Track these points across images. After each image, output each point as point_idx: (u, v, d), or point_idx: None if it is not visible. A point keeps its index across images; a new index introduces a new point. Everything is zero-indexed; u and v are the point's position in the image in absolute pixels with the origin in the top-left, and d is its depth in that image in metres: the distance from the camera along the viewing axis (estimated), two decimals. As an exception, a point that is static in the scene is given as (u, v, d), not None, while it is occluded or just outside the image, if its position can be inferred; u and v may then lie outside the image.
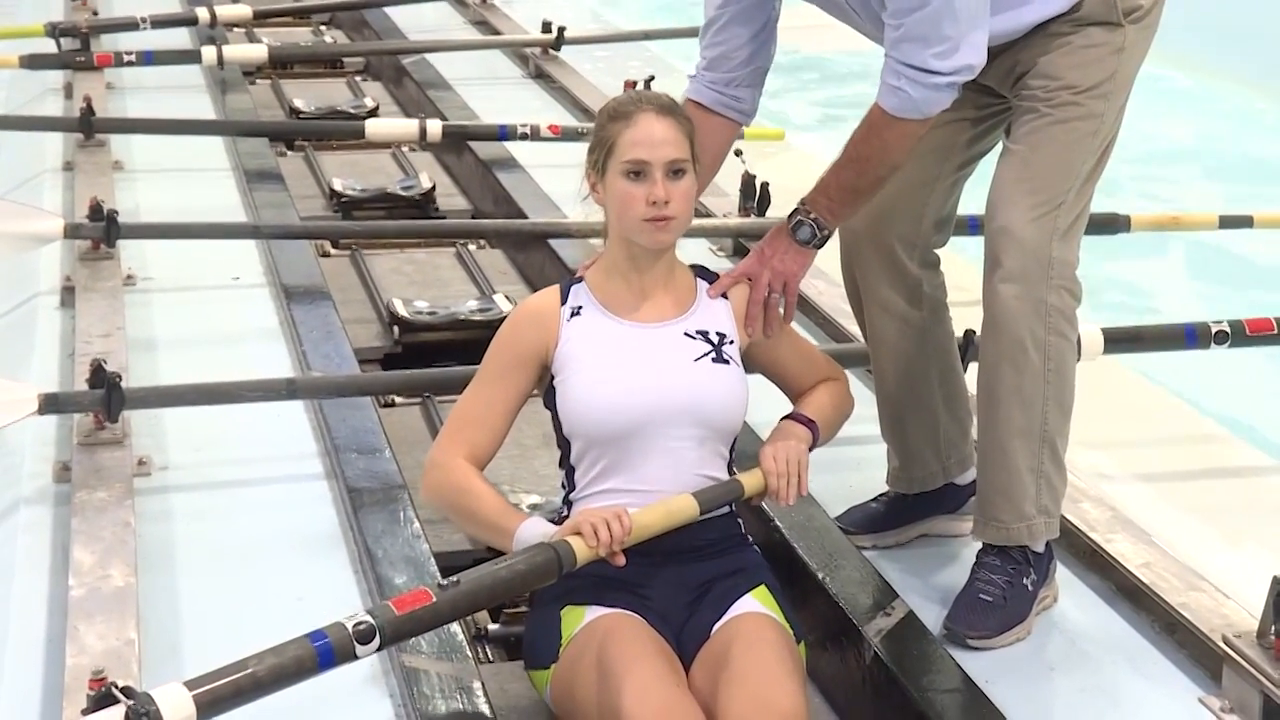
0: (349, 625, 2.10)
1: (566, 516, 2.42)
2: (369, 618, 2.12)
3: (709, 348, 2.42)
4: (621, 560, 2.25)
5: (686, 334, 2.43)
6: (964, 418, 2.88)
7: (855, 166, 2.54)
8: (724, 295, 2.51)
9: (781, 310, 2.55)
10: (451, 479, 2.39)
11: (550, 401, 2.44)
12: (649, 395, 2.36)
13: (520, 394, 2.44)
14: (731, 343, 2.46)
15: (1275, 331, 3.46)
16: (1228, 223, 4.53)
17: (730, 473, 2.46)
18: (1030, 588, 2.60)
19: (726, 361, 2.42)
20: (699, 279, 2.52)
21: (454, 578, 2.22)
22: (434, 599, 2.17)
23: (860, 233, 2.77)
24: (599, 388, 2.36)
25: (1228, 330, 3.40)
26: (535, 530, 2.30)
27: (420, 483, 2.48)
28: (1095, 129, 2.57)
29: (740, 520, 2.49)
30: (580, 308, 2.43)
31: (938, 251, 2.85)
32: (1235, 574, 2.73)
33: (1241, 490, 3.31)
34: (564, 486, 2.47)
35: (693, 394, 2.37)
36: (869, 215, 2.70)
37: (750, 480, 2.40)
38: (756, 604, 2.34)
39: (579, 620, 2.31)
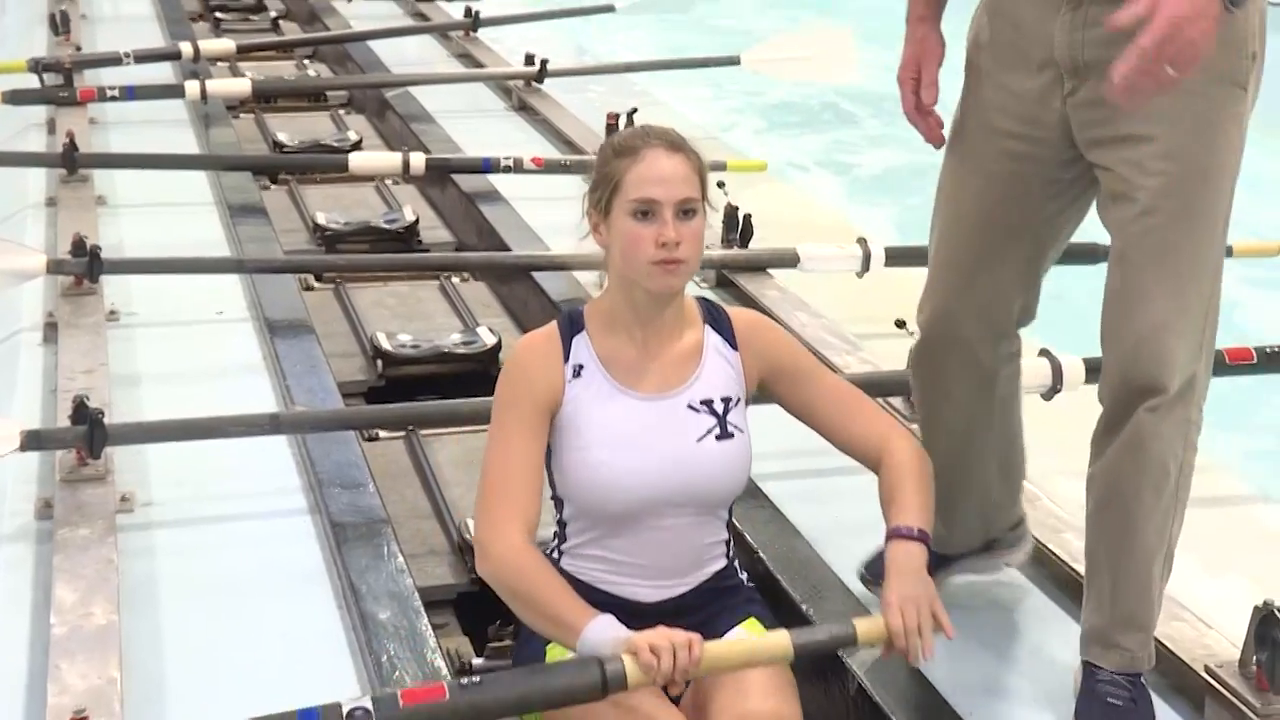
0: (345, 709, 1.97)
1: (557, 559, 2.34)
2: (368, 705, 1.97)
3: (713, 421, 2.27)
4: (679, 690, 2.12)
5: (690, 407, 2.27)
6: (1016, 480, 2.75)
7: None
8: (729, 337, 2.34)
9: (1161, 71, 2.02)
10: (513, 562, 2.15)
11: (545, 457, 2.31)
12: (648, 479, 2.23)
13: (545, 443, 2.27)
14: (738, 403, 2.31)
15: (1254, 361, 3.48)
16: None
17: (729, 526, 2.36)
18: (1144, 682, 2.46)
19: (731, 435, 2.28)
20: (707, 325, 2.35)
21: (476, 677, 2.05)
22: (447, 697, 1.98)
23: (939, 327, 2.56)
24: (599, 470, 2.23)
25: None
26: (604, 635, 2.07)
27: (481, 557, 2.23)
28: (1225, 214, 2.33)
29: (737, 564, 2.40)
30: (582, 367, 2.27)
31: (1021, 334, 2.63)
32: (1217, 604, 2.73)
33: (1223, 520, 3.32)
34: (555, 536, 2.37)
35: (694, 478, 2.25)
36: (947, 309, 2.53)
37: (868, 629, 2.15)
38: (747, 636, 2.30)
39: (565, 655, 2.24)
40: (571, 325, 2.32)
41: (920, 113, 2.49)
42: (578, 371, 2.27)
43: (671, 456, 2.25)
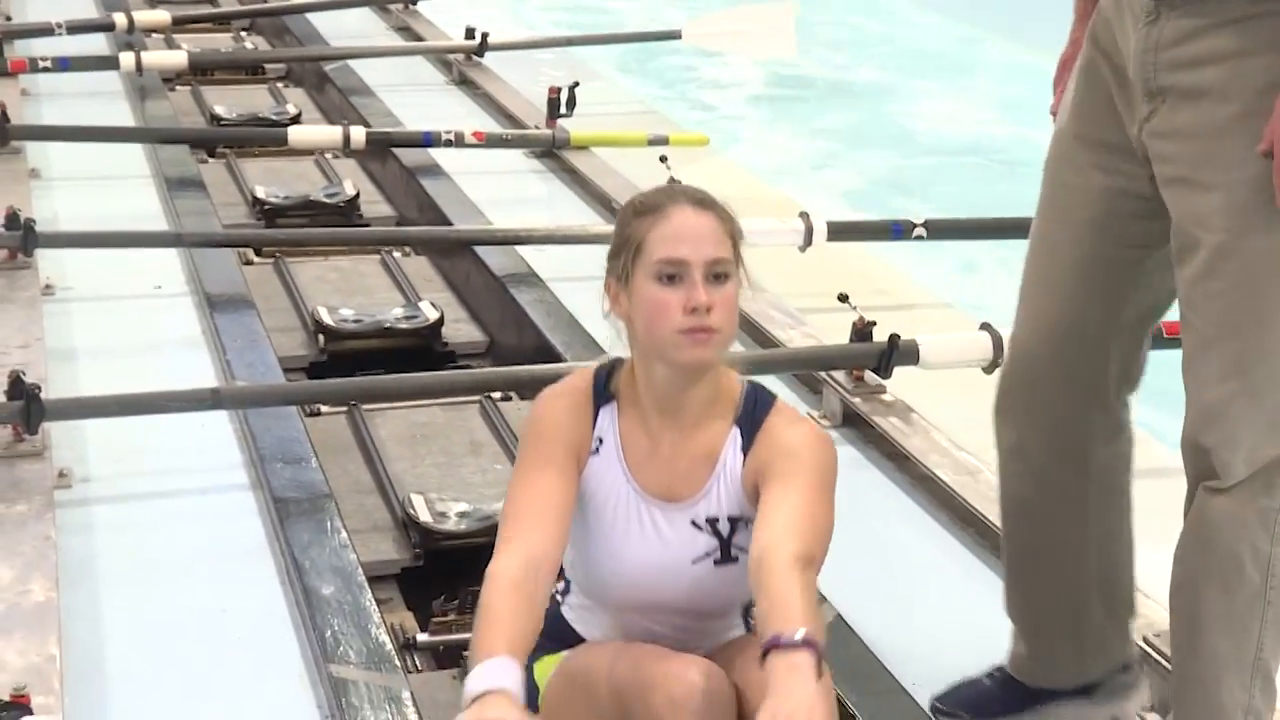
0: None
1: (560, 604, 2.16)
2: None
3: (715, 544, 2.03)
4: None
5: (694, 523, 2.03)
6: (1124, 613, 2.39)
7: None
8: (744, 461, 2.01)
9: None
10: (483, 589, 1.91)
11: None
12: (640, 588, 2.04)
13: (572, 483, 2.03)
14: (746, 525, 2.02)
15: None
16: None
17: (744, 618, 2.11)
18: None
19: (734, 559, 2.02)
20: (737, 426, 2.04)
21: None
22: None
23: (1019, 367, 2.31)
24: (594, 563, 2.06)
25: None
26: (478, 681, 1.76)
27: None
28: None
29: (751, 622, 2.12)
30: (602, 441, 2.06)
31: (1125, 411, 2.30)
32: (1154, 575, 2.75)
33: (1161, 492, 3.33)
34: (562, 582, 2.16)
35: (687, 595, 2.04)
36: (1029, 349, 2.28)
37: None
38: None
39: (554, 664, 2.07)
40: (603, 390, 2.09)
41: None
42: (598, 447, 2.07)
43: (665, 571, 2.04)
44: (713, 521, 2.03)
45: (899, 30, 13.01)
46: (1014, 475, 2.34)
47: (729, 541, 2.03)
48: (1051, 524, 2.30)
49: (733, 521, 2.03)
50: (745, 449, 2.04)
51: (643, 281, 1.97)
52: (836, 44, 11.78)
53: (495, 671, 1.77)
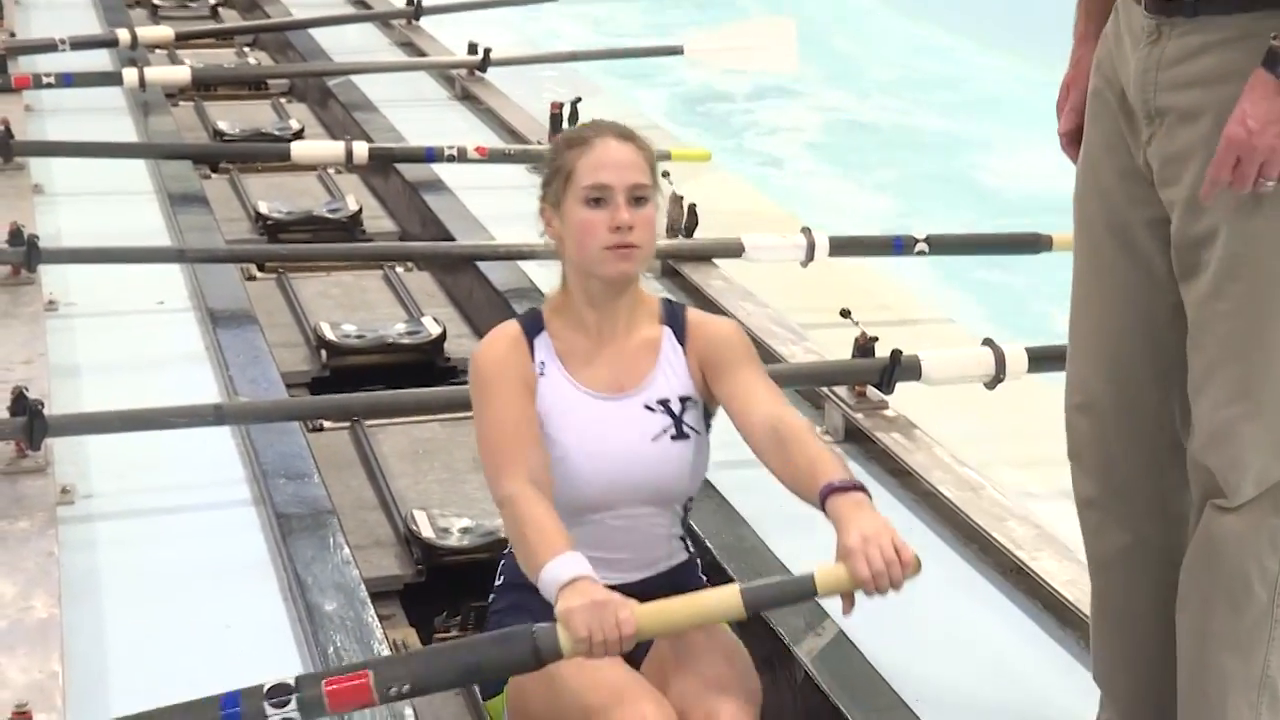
0: (264, 691, 1.91)
1: None
2: (293, 687, 1.92)
3: (669, 421, 2.26)
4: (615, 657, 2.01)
5: (646, 406, 2.27)
6: None
7: None
8: (685, 353, 2.29)
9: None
10: (509, 514, 2.12)
11: None
12: (606, 478, 2.23)
13: (535, 410, 2.23)
14: (695, 404, 2.29)
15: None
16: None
17: (684, 523, 2.34)
18: None
19: (686, 435, 2.27)
20: (665, 325, 2.32)
21: (404, 688, 1.93)
22: (373, 694, 1.91)
23: (1092, 436, 2.25)
24: (557, 465, 2.23)
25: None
26: (553, 577, 1.98)
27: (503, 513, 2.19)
28: None
29: (698, 563, 2.39)
30: (544, 364, 2.28)
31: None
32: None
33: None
34: None
35: (648, 475, 2.25)
36: (1097, 419, 2.23)
37: (830, 579, 1.94)
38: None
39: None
40: (533, 325, 2.32)
41: (1068, 140, 2.31)
42: (542, 369, 2.28)
43: (627, 454, 2.24)
44: (664, 402, 2.27)
45: (962, 72, 11.96)
46: (1096, 530, 2.29)
47: (680, 419, 2.27)
48: (1138, 582, 2.24)
49: (682, 401, 2.28)
50: (680, 340, 2.31)
51: (573, 205, 2.23)
52: (895, 87, 11.21)
53: (574, 562, 1.99)
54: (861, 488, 2.04)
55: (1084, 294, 2.27)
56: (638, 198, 2.22)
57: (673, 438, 2.26)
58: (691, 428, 2.28)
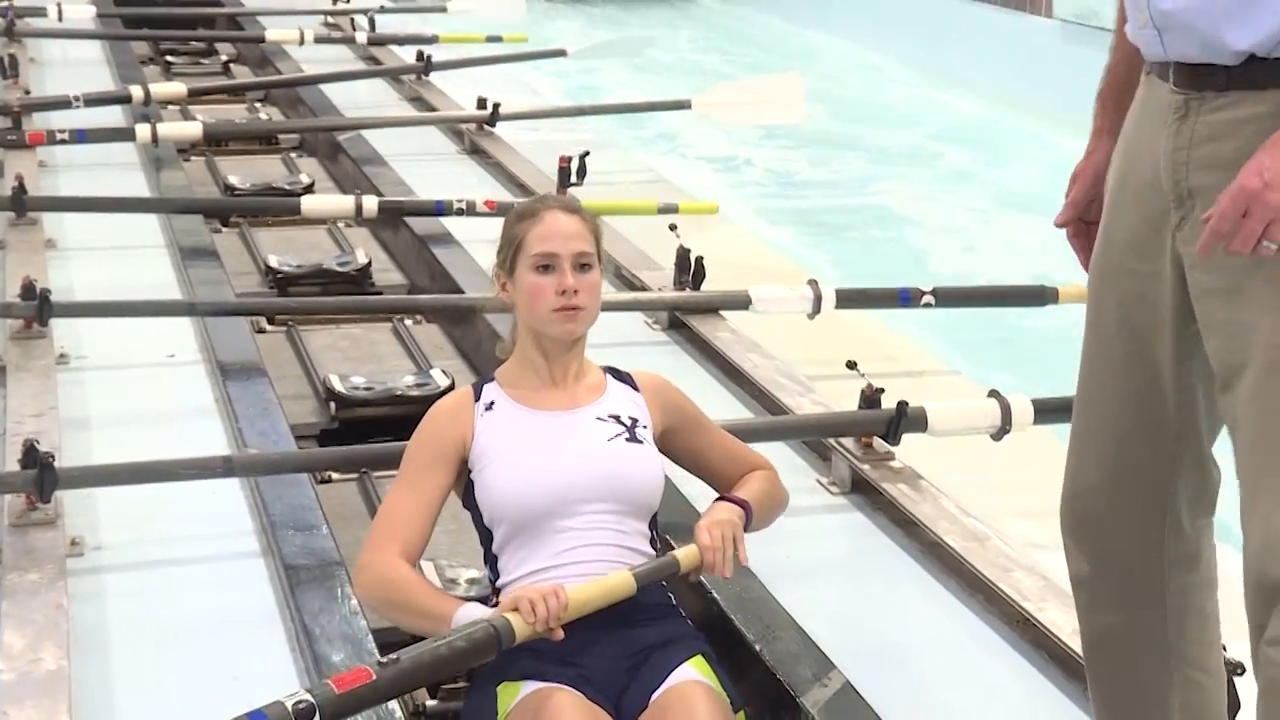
0: (289, 704, 2.09)
1: (496, 596, 2.45)
2: (309, 696, 2.11)
3: (622, 429, 2.48)
4: (560, 635, 2.27)
5: (598, 418, 2.49)
6: None
7: None
8: (632, 385, 2.57)
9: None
10: (382, 574, 2.40)
11: (470, 499, 2.49)
12: (565, 474, 2.41)
13: (442, 490, 2.48)
14: (645, 427, 2.51)
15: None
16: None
17: (656, 552, 2.49)
18: None
19: (640, 441, 2.48)
20: (609, 375, 2.57)
21: (394, 655, 2.21)
22: (374, 677, 2.17)
23: (1087, 518, 2.20)
24: (516, 470, 2.42)
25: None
26: (471, 613, 2.30)
27: (355, 576, 2.49)
28: None
29: (671, 594, 2.51)
30: (493, 402, 2.49)
31: (1201, 536, 2.17)
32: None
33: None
34: (490, 579, 2.50)
35: (608, 469, 2.43)
36: (1092, 502, 2.18)
37: (686, 556, 2.41)
38: (694, 672, 2.35)
39: (515, 695, 2.32)
40: (482, 380, 2.55)
41: (1071, 232, 2.26)
42: (489, 406, 2.49)
43: (584, 453, 2.44)
44: (615, 416, 2.49)
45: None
46: (1088, 608, 2.25)
47: (632, 429, 2.49)
48: (1131, 660, 2.20)
49: (632, 419, 2.50)
50: (632, 387, 2.56)
51: (524, 272, 2.46)
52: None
53: (479, 608, 2.30)
54: (744, 506, 2.47)
55: (1089, 388, 2.20)
56: (582, 264, 2.45)
57: (627, 440, 2.47)
58: (644, 439, 2.50)
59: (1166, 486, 2.13)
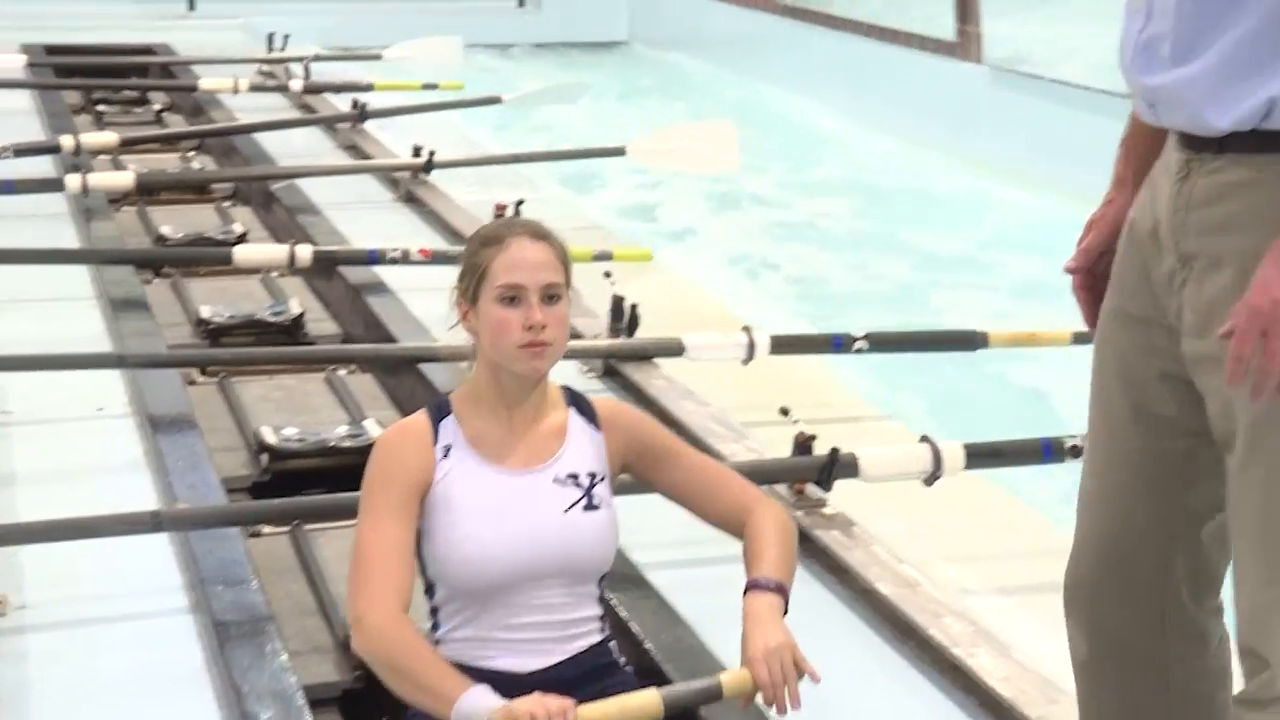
0: None
1: (443, 643, 2.34)
2: None
3: (579, 493, 2.33)
4: None
5: (556, 480, 2.33)
6: None
7: None
8: (594, 421, 2.39)
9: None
10: (388, 635, 2.19)
11: (416, 540, 2.34)
12: (519, 551, 2.28)
13: (415, 525, 2.31)
14: (602, 480, 2.37)
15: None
16: (1081, 339, 4.68)
17: (601, 602, 2.40)
18: None
19: (597, 506, 2.34)
20: (571, 408, 2.41)
21: None
22: None
23: (1085, 595, 2.14)
24: (467, 543, 2.27)
25: (1081, 444, 3.50)
26: (477, 705, 2.09)
27: (356, 630, 2.24)
28: None
29: (613, 645, 2.44)
30: (450, 447, 2.33)
31: (1209, 617, 2.10)
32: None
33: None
34: (430, 625, 2.39)
35: (563, 547, 2.30)
36: (1089, 577, 2.13)
37: (733, 683, 2.17)
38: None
39: None
40: (439, 410, 2.37)
41: (1077, 281, 2.21)
42: (446, 452, 2.32)
43: (539, 527, 2.29)
44: (574, 476, 2.33)
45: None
46: (1089, 692, 2.18)
47: (590, 491, 2.33)
48: None
49: (591, 476, 2.34)
50: (592, 423, 2.39)
51: (488, 303, 2.29)
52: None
53: (491, 694, 2.09)
54: (780, 590, 2.23)
55: (1093, 454, 2.16)
56: (550, 296, 2.30)
57: (584, 509, 2.33)
58: (601, 500, 2.35)
59: (1166, 557, 2.05)
